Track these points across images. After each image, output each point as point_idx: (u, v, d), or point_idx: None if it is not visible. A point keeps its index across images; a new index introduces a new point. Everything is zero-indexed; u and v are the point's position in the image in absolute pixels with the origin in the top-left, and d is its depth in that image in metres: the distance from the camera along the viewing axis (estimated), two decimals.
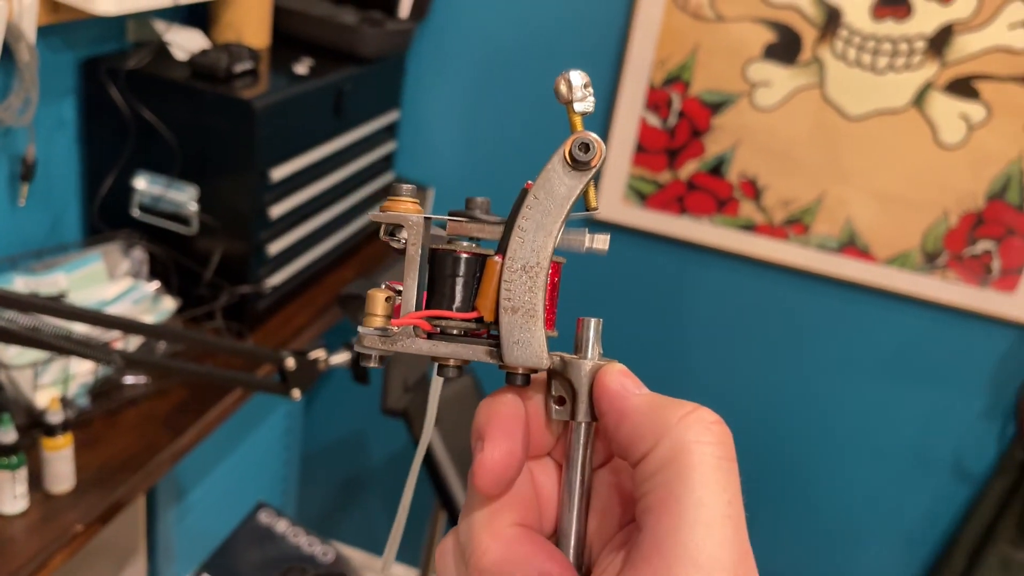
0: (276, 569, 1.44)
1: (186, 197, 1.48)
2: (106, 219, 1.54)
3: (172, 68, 1.48)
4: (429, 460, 1.65)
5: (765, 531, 2.06)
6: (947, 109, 1.64)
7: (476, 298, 0.34)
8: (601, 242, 0.35)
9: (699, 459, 0.30)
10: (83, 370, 1.29)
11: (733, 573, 0.28)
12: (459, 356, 0.34)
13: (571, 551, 0.34)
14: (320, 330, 1.69)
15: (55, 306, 1.06)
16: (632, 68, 1.76)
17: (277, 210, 1.53)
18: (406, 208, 0.35)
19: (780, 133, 1.73)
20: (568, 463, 0.35)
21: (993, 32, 1.57)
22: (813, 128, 1.71)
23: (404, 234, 0.34)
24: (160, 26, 1.54)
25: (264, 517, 1.54)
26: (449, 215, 0.36)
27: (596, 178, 0.34)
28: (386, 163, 1.95)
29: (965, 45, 1.59)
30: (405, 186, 0.35)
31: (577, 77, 0.34)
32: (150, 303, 1.46)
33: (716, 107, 1.75)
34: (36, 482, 1.17)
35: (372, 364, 0.35)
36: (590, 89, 0.34)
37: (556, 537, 0.35)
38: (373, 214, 0.35)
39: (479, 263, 0.35)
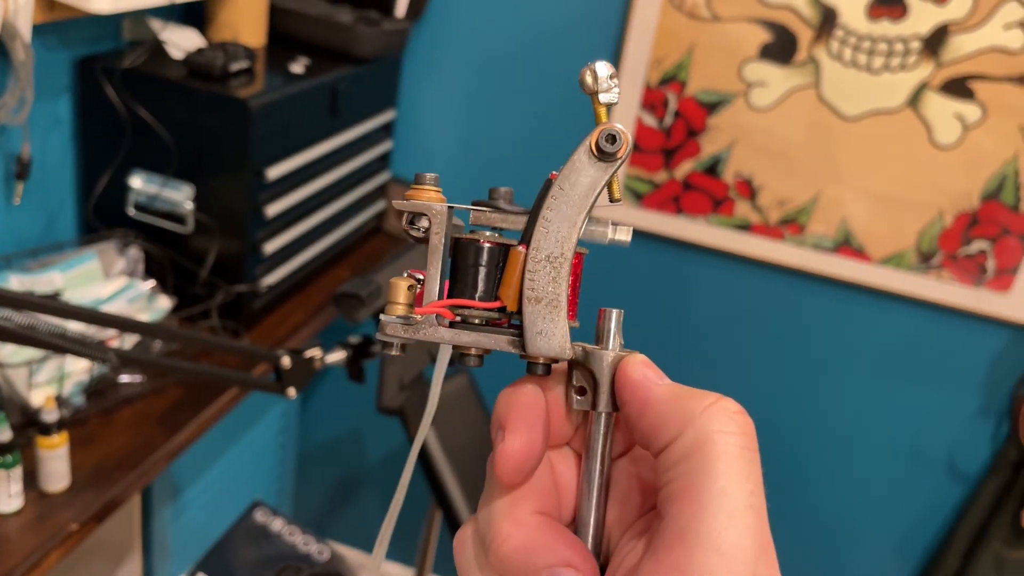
0: (272, 568, 1.44)
1: (182, 196, 1.48)
2: (101, 218, 1.53)
3: (168, 67, 1.48)
4: (425, 458, 1.65)
5: None
6: (942, 109, 1.64)
7: (499, 288, 0.35)
8: (624, 233, 0.36)
9: (722, 448, 0.30)
10: (78, 368, 1.28)
11: (754, 562, 0.29)
12: (481, 345, 0.34)
13: (590, 539, 0.35)
14: (316, 329, 1.69)
15: (50, 304, 1.06)
16: (628, 68, 1.76)
17: (273, 209, 1.53)
18: (429, 197, 0.35)
19: (776, 133, 1.73)
20: (588, 452, 0.35)
21: (988, 32, 1.58)
22: (809, 128, 1.71)
23: (424, 223, 0.35)
24: (156, 25, 1.54)
25: (260, 516, 1.54)
26: (472, 204, 0.36)
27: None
28: (382, 162, 1.95)
29: (960, 45, 1.60)
30: (429, 175, 0.35)
31: (603, 68, 0.34)
32: (145, 302, 1.46)
33: (712, 107, 1.75)
34: (31, 481, 1.17)
35: (394, 352, 0.35)
36: (615, 80, 0.34)
37: (575, 525, 0.35)
38: (397, 202, 0.35)
39: (502, 253, 0.35)
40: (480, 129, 1.94)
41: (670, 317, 1.96)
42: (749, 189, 1.78)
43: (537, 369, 0.35)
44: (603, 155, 0.34)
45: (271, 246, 1.56)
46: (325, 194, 1.72)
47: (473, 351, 0.35)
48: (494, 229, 0.36)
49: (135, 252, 1.50)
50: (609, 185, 0.34)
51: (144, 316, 1.44)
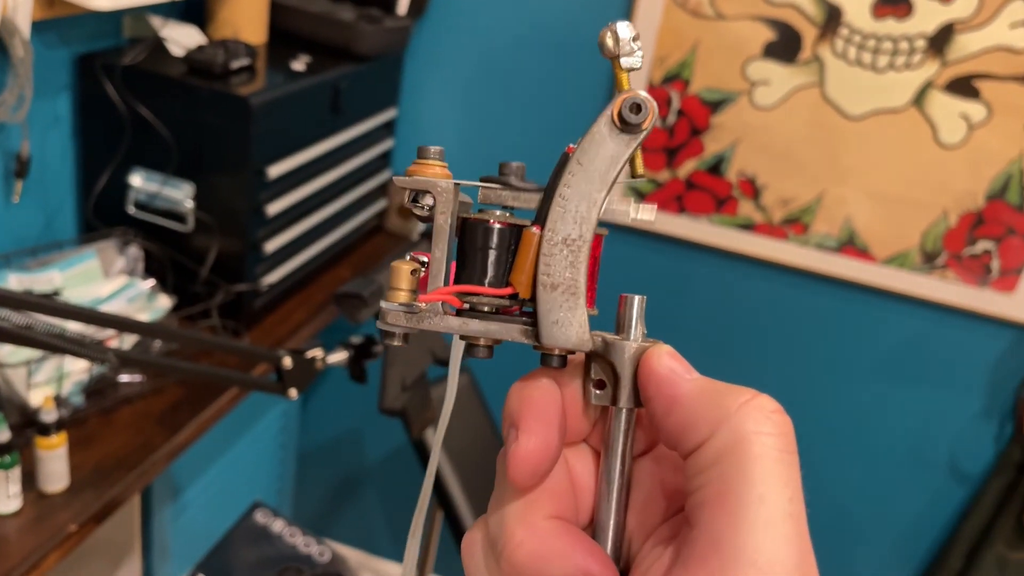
0: (272, 569, 1.43)
1: (182, 194, 1.47)
2: (101, 216, 1.52)
3: (168, 64, 1.47)
4: (425, 456, 1.64)
5: None
6: (947, 108, 1.63)
7: (510, 273, 0.32)
8: (647, 211, 0.33)
9: (759, 451, 0.28)
10: (77, 368, 1.28)
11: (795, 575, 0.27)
12: (491, 335, 0.32)
13: (609, 544, 0.32)
14: (317, 328, 1.68)
15: (49, 304, 1.05)
16: None
17: (274, 208, 1.52)
18: (434, 173, 0.32)
19: (779, 132, 1.72)
20: (607, 451, 0.32)
21: (994, 31, 1.57)
22: (812, 127, 1.70)
23: (429, 200, 0.32)
24: (156, 22, 1.53)
25: (260, 517, 1.53)
26: (481, 181, 0.33)
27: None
28: (383, 161, 1.94)
29: (966, 44, 1.59)
30: (433, 148, 0.32)
31: (624, 29, 0.31)
32: (145, 301, 1.45)
33: (715, 106, 1.74)
34: (30, 481, 1.16)
35: (396, 342, 0.32)
36: (639, 43, 0.31)
37: (593, 529, 0.33)
38: (398, 178, 0.32)
39: (514, 234, 0.32)
40: (482, 128, 1.93)
41: (672, 317, 1.95)
42: (752, 188, 1.78)
43: (552, 361, 0.32)
44: (626, 126, 0.31)
45: (272, 245, 1.56)
46: (326, 193, 1.71)
47: (482, 342, 0.32)
48: (505, 208, 0.33)
49: (135, 251, 1.49)
50: (632, 159, 0.32)
51: (144, 315, 1.43)
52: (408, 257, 0.32)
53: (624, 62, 0.31)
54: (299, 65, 1.59)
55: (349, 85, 1.66)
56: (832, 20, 1.63)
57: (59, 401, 1.25)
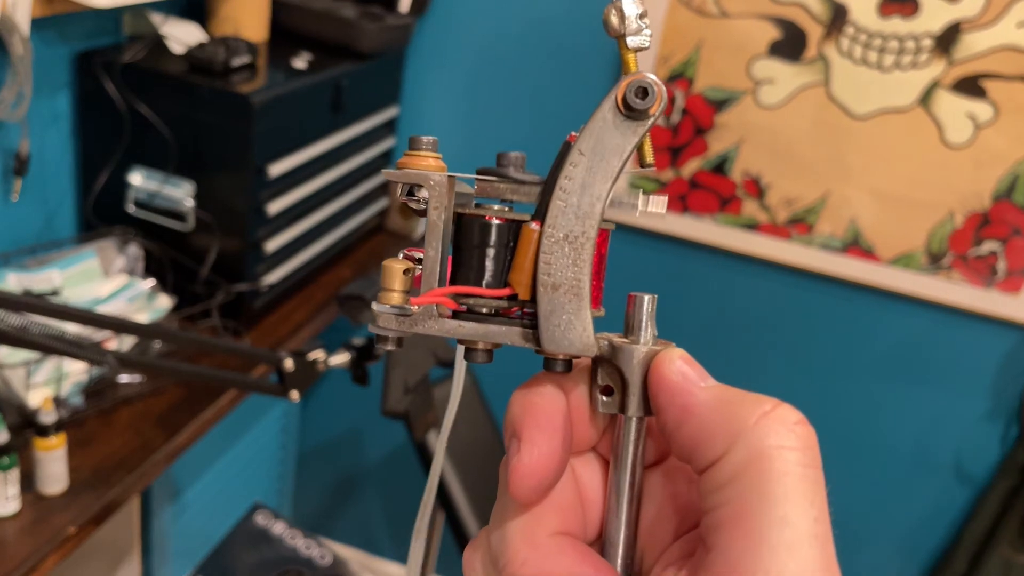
0: (273, 572, 1.43)
1: (182, 193, 1.46)
2: (101, 215, 1.51)
3: (168, 62, 1.46)
4: (428, 459, 1.63)
5: None
6: (954, 108, 1.62)
7: (509, 271, 0.30)
8: (658, 204, 0.30)
9: (781, 468, 0.26)
10: (76, 369, 1.27)
11: None
12: (490, 339, 0.29)
13: (619, 561, 0.30)
14: (318, 328, 1.67)
15: (48, 306, 1.04)
16: None
17: (274, 207, 1.51)
18: (427, 165, 0.30)
19: (784, 131, 1.71)
20: (616, 462, 0.30)
21: (1001, 30, 1.56)
22: (818, 126, 1.69)
23: (424, 193, 0.29)
24: (156, 19, 1.52)
25: (260, 519, 1.52)
26: (477, 173, 0.31)
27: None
28: (385, 160, 1.93)
29: (972, 43, 1.58)
30: (426, 139, 0.30)
31: (631, 5, 0.28)
32: (145, 301, 1.44)
33: (720, 104, 1.73)
34: (28, 483, 1.15)
35: (389, 347, 0.30)
36: (646, 20, 0.28)
37: (601, 545, 0.31)
38: (387, 171, 0.30)
39: (513, 231, 0.30)
40: (484, 126, 1.92)
41: (674, 317, 1.94)
42: (757, 188, 1.76)
43: (556, 366, 0.30)
44: (632, 112, 0.28)
45: (272, 244, 1.54)
46: (327, 192, 1.70)
47: (480, 345, 0.30)
48: (504, 202, 0.30)
49: (135, 250, 1.48)
50: (640, 148, 0.29)
51: (144, 315, 1.42)
52: (401, 255, 0.30)
53: (631, 41, 0.29)
54: (300, 63, 1.58)
55: (350, 83, 1.65)
56: (838, 19, 1.62)
57: (58, 402, 1.24)
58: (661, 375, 0.29)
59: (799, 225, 1.76)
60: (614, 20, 0.29)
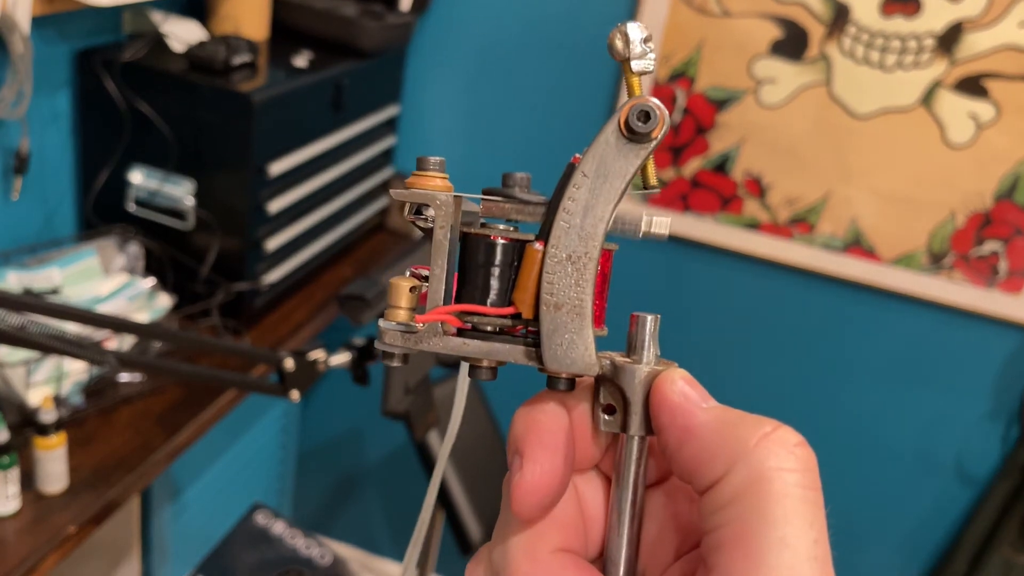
0: (273, 571, 1.42)
1: (182, 192, 1.46)
2: (101, 214, 1.51)
3: (169, 60, 1.46)
4: (427, 458, 1.63)
5: None
6: (955, 108, 1.61)
7: (513, 291, 0.30)
8: (661, 226, 0.31)
9: (781, 490, 0.26)
10: (77, 368, 1.26)
11: None
12: (493, 357, 0.30)
13: None
14: (318, 327, 1.67)
15: (48, 305, 1.04)
16: None
17: (275, 205, 1.51)
18: (434, 185, 0.30)
19: (786, 131, 1.71)
20: (618, 480, 0.30)
21: (1003, 30, 1.55)
22: (819, 126, 1.69)
23: (431, 211, 0.30)
24: (157, 17, 1.52)
25: (261, 518, 1.52)
26: (483, 193, 0.31)
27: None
28: (385, 158, 1.93)
29: (974, 43, 1.57)
30: (433, 159, 0.31)
31: (636, 30, 0.29)
32: (145, 300, 1.44)
33: (721, 104, 1.73)
34: (28, 482, 1.15)
35: (395, 363, 0.31)
36: (651, 44, 0.29)
37: (603, 562, 0.31)
38: (396, 191, 0.30)
39: (517, 250, 0.30)
40: (485, 125, 1.91)
41: (675, 317, 1.94)
42: (758, 187, 1.76)
43: (559, 384, 0.30)
44: (635, 135, 0.29)
45: (273, 243, 1.54)
46: (328, 190, 1.70)
47: (485, 363, 0.30)
48: (509, 222, 0.31)
49: (135, 248, 1.48)
50: (643, 170, 0.30)
51: (144, 314, 1.42)
52: (408, 273, 0.31)
53: (635, 65, 0.29)
54: (301, 61, 1.57)
55: (351, 82, 1.65)
56: (840, 18, 1.61)
57: (58, 401, 1.23)
58: (663, 395, 0.29)
59: (800, 225, 1.76)
60: (619, 44, 0.29)
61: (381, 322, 0.30)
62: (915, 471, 1.92)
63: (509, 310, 0.30)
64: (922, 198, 1.68)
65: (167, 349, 1.40)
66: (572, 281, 0.29)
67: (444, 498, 1.67)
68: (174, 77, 1.42)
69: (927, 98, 1.62)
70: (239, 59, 1.45)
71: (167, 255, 1.50)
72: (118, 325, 1.08)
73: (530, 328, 0.31)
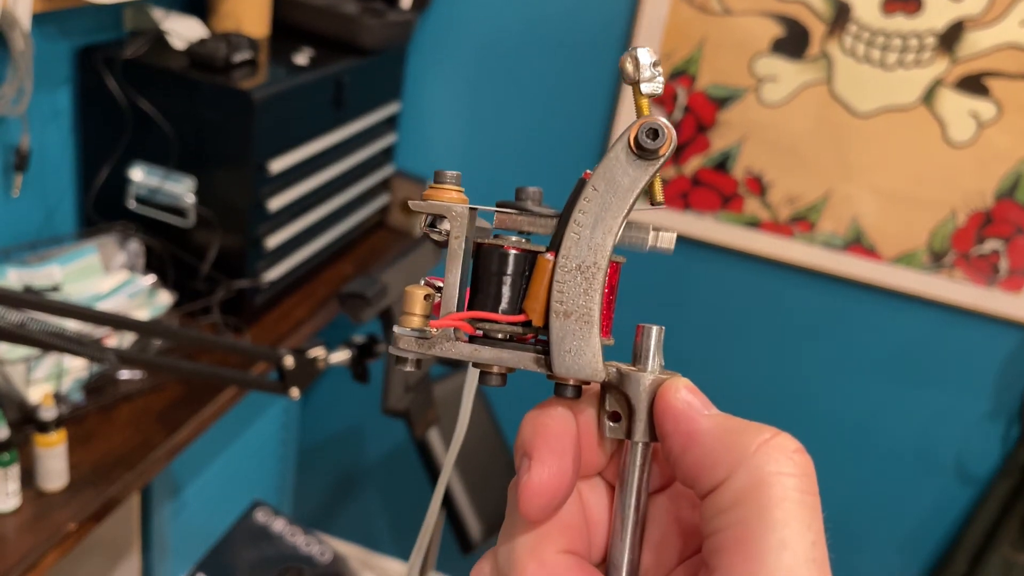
0: (273, 569, 1.42)
1: (183, 189, 1.46)
2: (101, 211, 1.51)
3: (170, 57, 1.46)
4: (428, 456, 1.63)
5: None
6: (957, 106, 1.61)
7: (524, 299, 0.31)
8: (667, 240, 0.32)
9: (781, 494, 0.27)
10: (77, 365, 1.26)
11: None
12: (503, 363, 0.31)
13: None
14: (319, 325, 1.67)
15: (48, 302, 1.04)
16: None
17: (275, 203, 1.51)
18: (450, 197, 0.32)
19: (787, 129, 1.71)
20: (622, 486, 0.31)
21: (1004, 29, 1.55)
22: (820, 124, 1.69)
23: (447, 225, 0.31)
24: (158, 14, 1.51)
25: (261, 516, 1.52)
26: (497, 206, 0.32)
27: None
28: (386, 156, 1.92)
29: (976, 41, 1.57)
30: (450, 173, 0.32)
31: (645, 55, 0.30)
32: (146, 297, 1.44)
33: (722, 102, 1.73)
34: (28, 479, 1.15)
35: (408, 368, 0.32)
36: (659, 68, 0.30)
37: (606, 567, 0.32)
38: (414, 203, 0.32)
39: (529, 261, 0.31)
40: (486, 122, 1.91)
41: (676, 315, 1.94)
42: (759, 186, 1.76)
43: (566, 391, 0.31)
44: (643, 152, 0.30)
45: (273, 241, 1.54)
46: (328, 188, 1.69)
47: (495, 369, 0.32)
48: (521, 233, 0.32)
49: (135, 246, 1.48)
50: (650, 187, 0.31)
51: (144, 311, 1.42)
52: (423, 282, 0.32)
53: (644, 88, 0.31)
54: (302, 59, 1.57)
55: (352, 79, 1.65)
56: (841, 16, 1.61)
57: (58, 398, 1.23)
58: (667, 402, 0.30)
59: (801, 223, 1.76)
60: (629, 68, 0.31)
61: (396, 328, 0.31)
62: (915, 470, 1.92)
63: (520, 318, 0.31)
64: (923, 197, 1.68)
65: (167, 346, 1.40)
66: (581, 290, 0.30)
67: (445, 497, 1.67)
68: (175, 74, 1.42)
69: (928, 97, 1.62)
70: (240, 56, 1.45)
71: (168, 252, 1.50)
72: (118, 322, 1.08)
73: (539, 337, 0.32)
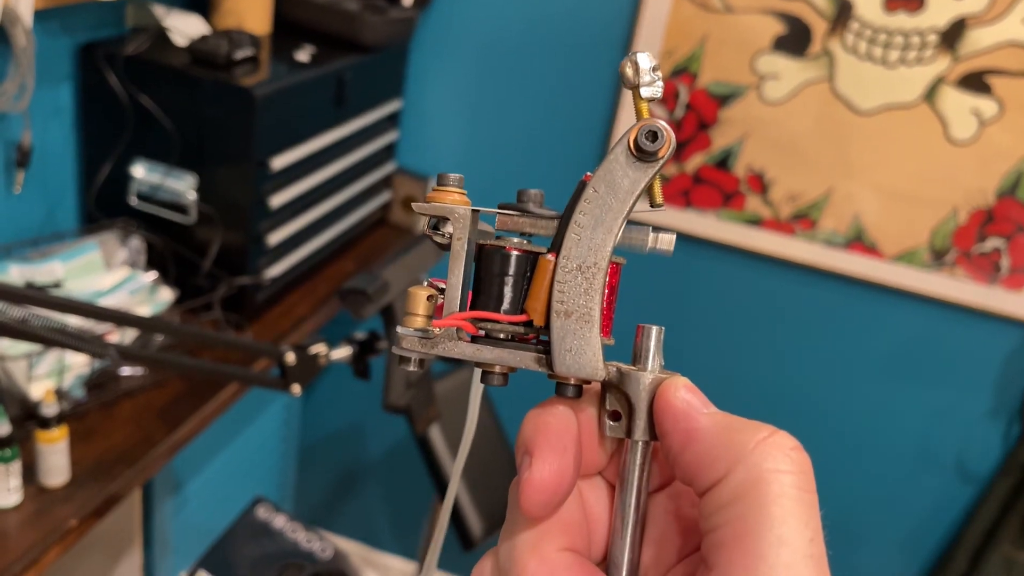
0: (274, 565, 1.43)
1: (185, 186, 1.46)
2: (103, 207, 1.51)
3: (171, 54, 1.46)
4: (429, 453, 1.63)
5: None
6: (958, 104, 1.61)
7: (526, 300, 0.32)
8: (666, 242, 0.33)
9: (778, 490, 0.27)
10: (79, 361, 1.26)
11: None
12: (505, 362, 0.31)
13: None
14: (320, 322, 1.67)
15: (50, 298, 1.04)
16: None
17: (277, 200, 1.51)
18: (453, 199, 0.32)
19: (788, 127, 1.71)
20: (622, 485, 0.32)
21: (1007, 26, 1.55)
22: (822, 122, 1.69)
23: (449, 228, 0.32)
24: (159, 11, 1.51)
25: (262, 512, 1.52)
26: (499, 208, 0.33)
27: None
28: (388, 153, 1.92)
29: (978, 39, 1.57)
30: (453, 176, 0.33)
31: (645, 60, 0.31)
32: (147, 293, 1.44)
33: (724, 99, 1.72)
34: (30, 475, 1.15)
35: (411, 367, 0.32)
36: (659, 73, 0.31)
37: (607, 565, 0.32)
38: (417, 204, 0.32)
39: (530, 261, 0.32)
40: (487, 120, 1.91)
41: (677, 312, 1.94)
42: (760, 183, 1.76)
43: (567, 390, 0.32)
44: (643, 154, 0.31)
45: (275, 237, 1.54)
46: (330, 185, 1.70)
47: (497, 369, 0.32)
48: (523, 235, 0.33)
49: (137, 243, 1.48)
50: (650, 189, 0.31)
51: (146, 308, 1.42)
52: (426, 283, 0.32)
53: (644, 92, 0.31)
54: (303, 56, 1.57)
55: (353, 76, 1.65)
56: (843, 14, 1.61)
57: (60, 394, 1.24)
58: (666, 401, 0.30)
59: (802, 221, 1.76)
60: (629, 72, 0.31)
61: (399, 328, 0.32)
62: (916, 468, 1.92)
63: (521, 318, 0.32)
64: (924, 195, 1.68)
65: (169, 343, 1.40)
66: (582, 290, 0.31)
67: (444, 493, 1.68)
68: (176, 71, 1.42)
69: (930, 94, 1.62)
70: (241, 53, 1.45)
71: (169, 249, 1.50)
72: (120, 318, 1.08)
73: (541, 337, 0.32)
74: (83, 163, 1.52)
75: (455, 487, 0.39)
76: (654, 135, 0.31)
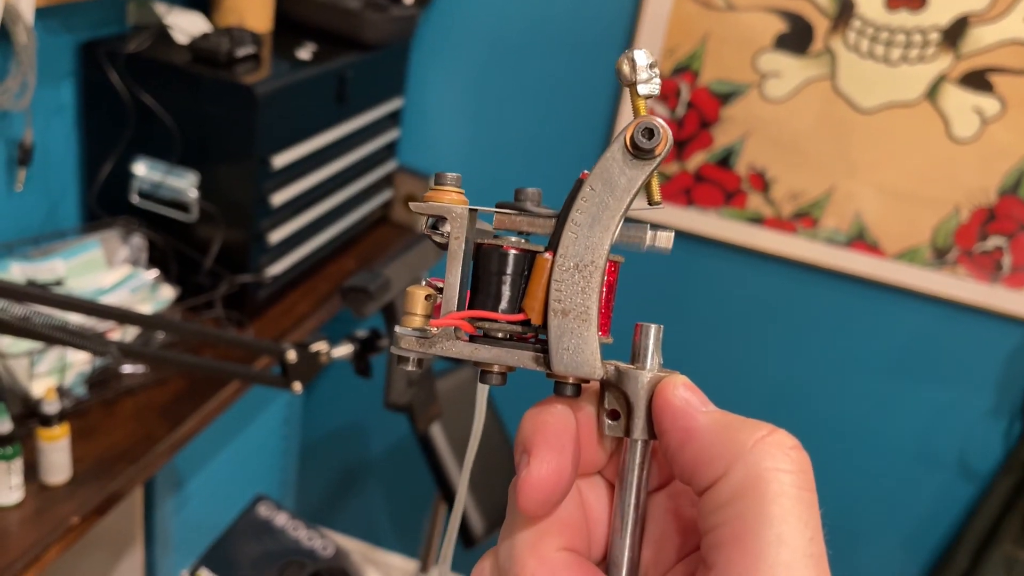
0: (275, 563, 1.43)
1: (186, 184, 1.46)
2: (104, 205, 1.51)
3: (172, 52, 1.46)
4: (430, 451, 1.63)
5: None
6: (960, 102, 1.61)
7: (523, 299, 0.32)
8: (664, 240, 0.32)
9: (778, 489, 0.27)
10: (80, 359, 1.27)
11: None
12: (503, 362, 0.31)
13: None
14: (321, 320, 1.67)
15: (51, 296, 1.04)
16: None
17: (278, 198, 1.51)
18: (451, 199, 0.32)
19: (790, 125, 1.70)
20: (621, 484, 0.32)
21: (1009, 24, 1.55)
22: (823, 120, 1.69)
23: (447, 227, 0.32)
24: (161, 9, 1.51)
25: (263, 510, 1.52)
26: (497, 207, 0.33)
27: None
28: (389, 151, 1.92)
29: (980, 37, 1.57)
30: (450, 175, 0.32)
31: (642, 56, 0.31)
32: (149, 291, 1.44)
33: (725, 98, 1.72)
34: (32, 473, 1.15)
35: (410, 367, 0.32)
36: (656, 69, 0.31)
37: (606, 565, 0.32)
38: (415, 204, 0.32)
39: (528, 260, 0.32)
40: (488, 118, 1.91)
41: (679, 311, 1.94)
42: (762, 182, 1.76)
43: (566, 389, 0.31)
44: (640, 152, 0.30)
45: (276, 235, 1.54)
46: (331, 183, 1.70)
47: (495, 368, 0.32)
48: (520, 234, 0.32)
49: (138, 240, 1.48)
50: (647, 185, 0.31)
51: (147, 306, 1.42)
52: (424, 282, 0.32)
53: (641, 89, 0.31)
54: (305, 54, 1.57)
55: (355, 74, 1.65)
56: (845, 12, 1.61)
57: (62, 392, 1.24)
58: (665, 400, 0.30)
59: (804, 219, 1.76)
60: (626, 69, 0.31)
61: (398, 328, 0.32)
62: (917, 466, 1.92)
63: (519, 316, 0.31)
64: (926, 193, 1.68)
65: (170, 341, 1.40)
66: (579, 288, 0.31)
67: (448, 493, 1.68)
68: (178, 69, 1.42)
69: (932, 92, 1.62)
70: (243, 51, 1.45)
71: (170, 247, 1.50)
72: (122, 316, 1.08)
73: (539, 336, 0.32)
74: (84, 161, 1.52)
75: (463, 495, 0.39)
76: (651, 132, 0.30)
